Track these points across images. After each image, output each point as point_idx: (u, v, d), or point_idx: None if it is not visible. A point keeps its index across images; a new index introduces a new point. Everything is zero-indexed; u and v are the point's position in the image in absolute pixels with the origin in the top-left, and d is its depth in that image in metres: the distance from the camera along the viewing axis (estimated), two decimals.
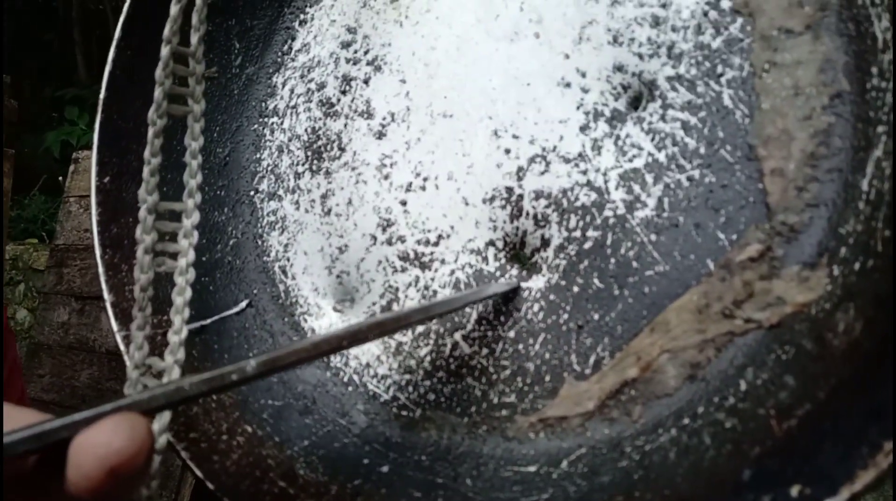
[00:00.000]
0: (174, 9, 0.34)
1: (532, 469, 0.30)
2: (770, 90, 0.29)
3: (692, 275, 0.29)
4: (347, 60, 0.39)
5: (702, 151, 0.30)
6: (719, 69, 0.30)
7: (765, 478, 0.23)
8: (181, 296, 0.32)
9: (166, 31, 0.34)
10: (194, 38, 0.36)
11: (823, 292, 0.26)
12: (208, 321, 0.37)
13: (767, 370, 0.26)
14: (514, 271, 0.33)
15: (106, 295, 0.35)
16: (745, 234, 0.28)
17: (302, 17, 0.41)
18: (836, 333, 0.25)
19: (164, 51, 0.34)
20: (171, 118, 0.38)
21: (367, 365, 0.35)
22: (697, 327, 0.29)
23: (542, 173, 0.33)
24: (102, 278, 0.35)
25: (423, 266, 0.35)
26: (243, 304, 0.38)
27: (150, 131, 0.34)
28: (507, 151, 0.34)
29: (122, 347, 0.34)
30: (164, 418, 0.30)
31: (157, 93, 0.34)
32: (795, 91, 0.28)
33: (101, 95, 0.38)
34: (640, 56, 0.32)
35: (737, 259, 0.28)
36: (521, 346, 0.32)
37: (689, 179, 0.30)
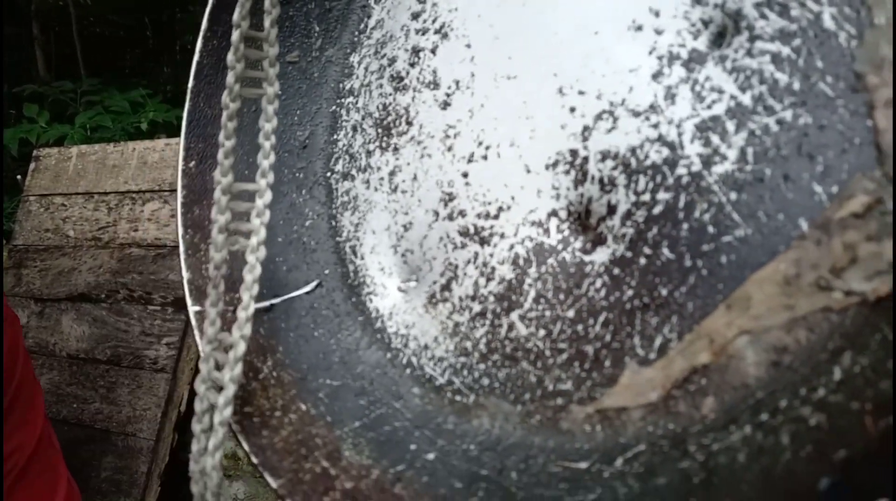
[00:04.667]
0: None
1: (583, 465, 0.26)
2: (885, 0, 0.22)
3: (780, 239, 0.24)
4: (417, 31, 0.37)
5: (795, 86, 0.24)
6: None
7: (846, 488, 0.17)
8: (251, 273, 0.32)
9: (235, 16, 0.35)
10: (267, 22, 0.36)
11: None
12: (279, 299, 0.37)
13: (869, 355, 0.20)
14: (578, 244, 0.29)
15: (184, 273, 0.36)
16: (847, 184, 0.22)
17: None
18: None
19: (235, 35, 0.35)
20: (249, 102, 0.39)
21: (426, 347, 0.33)
22: (785, 302, 0.23)
23: (610, 131, 0.29)
24: (182, 257, 0.37)
25: (483, 241, 0.32)
26: (314, 284, 0.37)
27: (224, 115, 0.35)
28: (573, 110, 0.30)
29: (193, 322, 0.35)
30: (229, 391, 0.30)
31: (230, 77, 0.35)
32: None
33: (190, 84, 0.40)
34: None
35: (837, 216, 0.22)
36: (580, 327, 0.28)
37: (779, 122, 0.24)
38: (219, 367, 0.32)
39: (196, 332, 0.35)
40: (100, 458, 0.68)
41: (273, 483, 0.29)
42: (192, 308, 0.36)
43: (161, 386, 0.69)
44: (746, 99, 0.25)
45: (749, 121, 0.25)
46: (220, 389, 0.31)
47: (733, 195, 0.25)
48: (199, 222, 0.38)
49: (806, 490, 0.19)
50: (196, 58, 0.39)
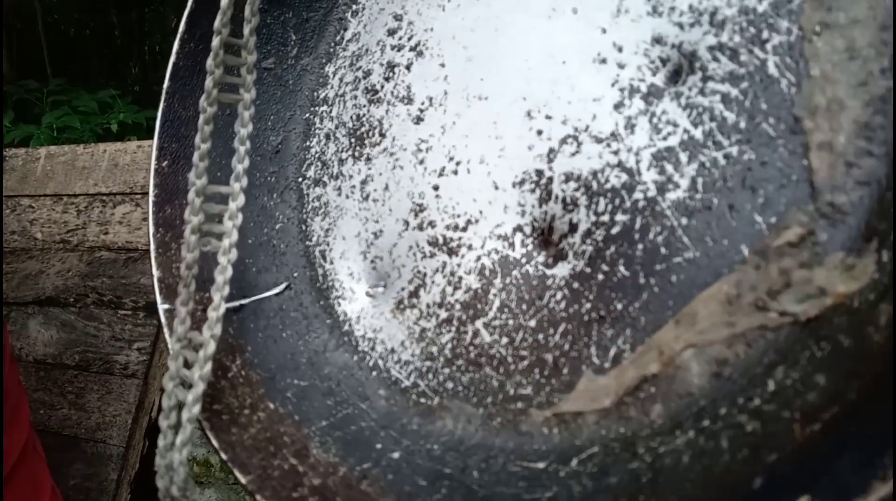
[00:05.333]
0: (224, 1, 0.36)
1: (541, 465, 0.28)
2: (821, 55, 0.25)
3: (724, 262, 0.26)
4: (392, 47, 0.39)
5: (742, 125, 0.27)
6: (765, 34, 0.27)
7: (775, 486, 0.20)
8: (222, 275, 0.33)
9: (216, 23, 0.36)
10: (246, 30, 0.37)
11: (869, 281, 0.22)
12: (248, 300, 0.38)
13: (799, 369, 0.23)
14: (541, 258, 0.32)
15: (154, 271, 0.37)
16: (784, 216, 0.25)
17: (354, 7, 0.41)
18: (878, 327, 0.21)
19: (215, 41, 0.36)
20: (224, 107, 0.40)
21: (392, 350, 0.35)
22: (727, 319, 0.25)
23: (573, 155, 0.31)
24: (153, 255, 0.37)
25: (451, 252, 0.34)
26: (283, 286, 0.38)
27: (201, 118, 0.36)
28: (539, 133, 0.33)
29: (163, 320, 0.36)
30: (198, 388, 0.31)
31: (208, 82, 0.36)
32: (850, 54, 0.25)
33: (165, 85, 0.40)
34: (681, 26, 0.29)
35: (774, 244, 0.25)
36: (540, 336, 0.30)
37: (726, 156, 0.27)
38: (188, 365, 0.33)
39: (166, 330, 0.36)
40: (68, 465, 0.66)
41: (243, 479, 0.30)
42: (162, 306, 0.36)
43: (131, 392, 0.68)
44: (698, 133, 0.28)
45: (700, 153, 0.28)
46: (188, 386, 0.32)
47: (684, 220, 0.27)
48: (171, 221, 0.39)
49: (742, 489, 0.21)
50: (172, 59, 0.40)
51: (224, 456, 0.31)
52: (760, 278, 0.25)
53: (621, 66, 0.31)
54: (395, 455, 0.31)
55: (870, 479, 0.17)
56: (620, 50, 0.31)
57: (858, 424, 0.19)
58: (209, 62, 0.36)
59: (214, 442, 0.31)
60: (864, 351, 0.21)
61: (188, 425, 0.31)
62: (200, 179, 0.35)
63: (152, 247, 0.37)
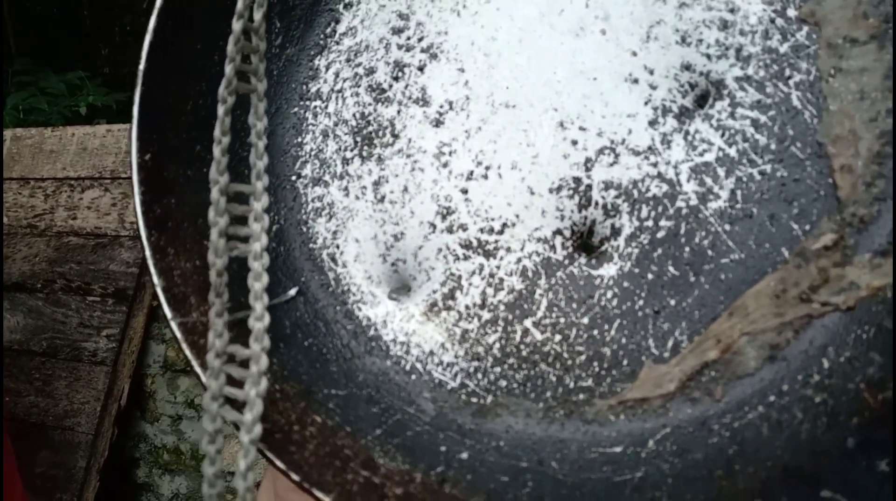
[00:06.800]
0: None
1: (618, 449, 0.31)
2: (837, 93, 0.31)
3: (768, 262, 0.31)
4: (399, 47, 0.39)
5: (773, 147, 0.32)
6: (787, 72, 0.32)
7: (869, 443, 0.25)
8: (259, 281, 0.31)
9: (239, 6, 0.33)
10: (258, 14, 0.34)
11: None
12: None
13: (850, 348, 0.28)
14: (583, 260, 0.34)
15: (156, 280, 0.32)
16: (818, 224, 0.31)
17: (346, 0, 0.40)
18: None
19: (236, 26, 0.33)
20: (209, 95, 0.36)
21: (431, 353, 0.35)
22: (776, 310, 0.30)
23: (612, 165, 0.34)
24: (150, 262, 0.33)
25: (488, 254, 0.35)
26: (293, 291, 0.36)
27: (221, 109, 0.33)
28: (574, 143, 0.35)
29: (178, 335, 0.32)
30: (257, 408, 0.28)
31: (228, 69, 0.33)
32: (861, 95, 0.31)
33: (141, 66, 0.35)
34: (708, 56, 0.34)
35: (811, 248, 0.30)
36: (595, 332, 0.33)
37: (762, 173, 0.32)
38: (232, 382, 0.30)
39: (183, 344, 0.32)
40: (34, 453, 0.57)
41: (326, 498, 0.28)
42: (174, 320, 0.32)
43: (100, 379, 0.60)
44: (733, 152, 0.32)
45: (736, 169, 0.32)
46: (241, 405, 0.29)
47: (727, 227, 0.32)
48: (163, 222, 0.34)
49: (837, 449, 0.26)
50: (149, 38, 0.35)
51: (296, 477, 0.29)
52: (802, 275, 0.30)
53: (653, 87, 0.34)
54: (464, 455, 0.32)
55: None
56: (651, 73, 0.34)
57: None
58: (230, 48, 0.32)
59: (279, 464, 0.29)
60: None
61: (251, 448, 0.29)
62: (223, 177, 0.32)
63: (148, 253, 0.33)
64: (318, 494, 0.28)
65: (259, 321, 0.31)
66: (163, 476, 0.59)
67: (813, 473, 0.26)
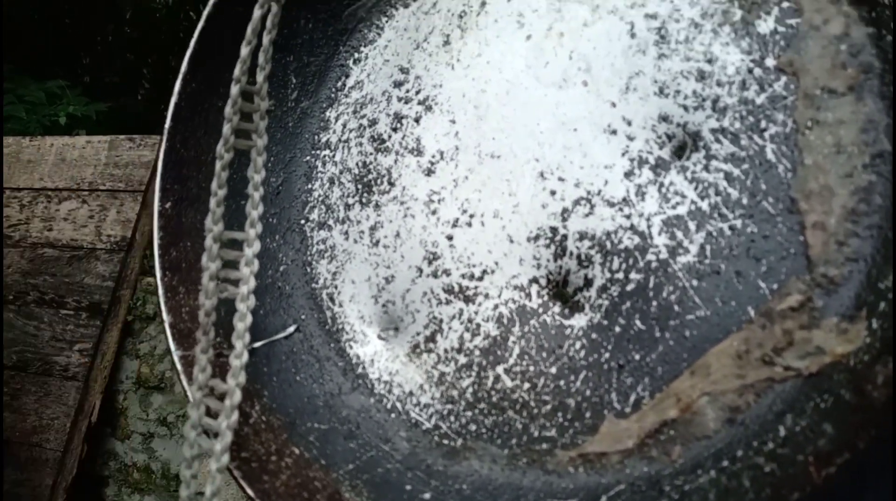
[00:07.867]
0: (244, 50, 0.37)
1: None
2: (812, 147, 0.30)
3: (733, 321, 0.30)
4: (399, 99, 0.41)
5: (744, 201, 0.31)
6: (763, 124, 0.31)
7: None
8: (242, 322, 0.34)
9: (236, 72, 0.37)
10: (260, 77, 0.38)
11: (862, 344, 0.27)
12: (259, 344, 0.38)
13: (806, 418, 0.27)
14: (557, 309, 0.35)
15: (165, 316, 0.37)
16: (785, 284, 0.29)
17: (356, 55, 0.43)
18: (875, 385, 0.26)
19: (234, 89, 0.37)
20: (234, 151, 0.40)
21: (410, 393, 0.37)
22: (737, 372, 0.30)
23: (587, 215, 0.35)
24: (162, 300, 0.37)
25: (468, 299, 0.37)
26: (291, 329, 0.39)
27: (218, 164, 0.36)
28: (553, 193, 0.36)
29: (178, 367, 0.36)
30: (226, 438, 0.31)
31: (226, 128, 0.36)
32: (837, 149, 0.29)
33: (166, 125, 0.40)
34: (686, 108, 0.33)
35: (777, 308, 0.29)
36: (562, 382, 0.33)
37: (732, 228, 0.31)
38: (210, 413, 0.33)
39: (182, 376, 0.35)
40: None
41: None
42: (176, 353, 0.36)
43: (71, 395, 0.64)
44: (705, 205, 0.32)
45: (707, 223, 0.32)
46: (214, 435, 0.33)
47: (695, 282, 0.31)
48: (177, 264, 0.38)
49: None
50: (174, 100, 0.40)
51: None
52: (766, 336, 0.29)
53: (630, 138, 0.34)
54: (427, 495, 0.33)
55: None
56: (630, 123, 0.34)
57: (874, 470, 0.23)
58: (227, 109, 0.36)
59: (249, 492, 0.32)
60: (866, 406, 0.25)
61: (217, 475, 0.32)
62: (217, 226, 0.35)
63: (161, 292, 0.37)
64: None
65: (237, 358, 0.34)
66: (132, 494, 0.62)
67: None
